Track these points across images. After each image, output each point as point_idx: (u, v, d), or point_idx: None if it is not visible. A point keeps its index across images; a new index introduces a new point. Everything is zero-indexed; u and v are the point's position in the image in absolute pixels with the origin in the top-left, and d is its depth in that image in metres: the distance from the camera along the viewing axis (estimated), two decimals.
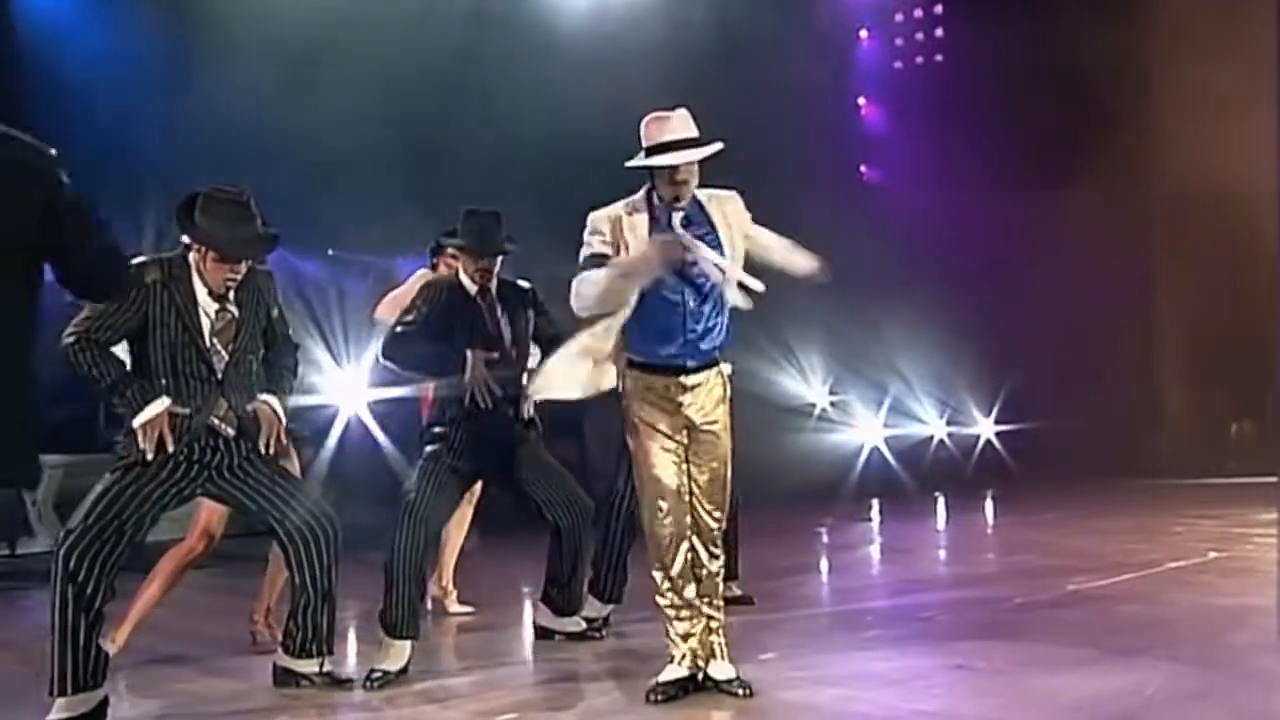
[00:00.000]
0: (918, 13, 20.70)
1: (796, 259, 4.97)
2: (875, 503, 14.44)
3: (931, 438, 18.92)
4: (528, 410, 5.68)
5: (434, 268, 6.73)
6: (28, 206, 3.09)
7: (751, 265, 4.80)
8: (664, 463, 4.71)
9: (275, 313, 4.98)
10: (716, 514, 4.80)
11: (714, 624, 4.78)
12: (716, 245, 4.70)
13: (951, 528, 12.43)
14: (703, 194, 4.75)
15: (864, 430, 17.96)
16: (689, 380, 4.71)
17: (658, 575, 4.75)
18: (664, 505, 4.72)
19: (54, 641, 4.39)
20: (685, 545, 4.73)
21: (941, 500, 14.65)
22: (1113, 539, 9.75)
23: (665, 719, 4.52)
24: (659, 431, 4.70)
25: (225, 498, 4.91)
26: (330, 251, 12.79)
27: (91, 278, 3.36)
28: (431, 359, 5.59)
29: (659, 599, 4.76)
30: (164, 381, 4.65)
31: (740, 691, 4.68)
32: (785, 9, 16.39)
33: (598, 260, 4.61)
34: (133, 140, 10.21)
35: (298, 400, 5.12)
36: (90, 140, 8.20)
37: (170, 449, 4.58)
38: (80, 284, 3.38)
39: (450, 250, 6.36)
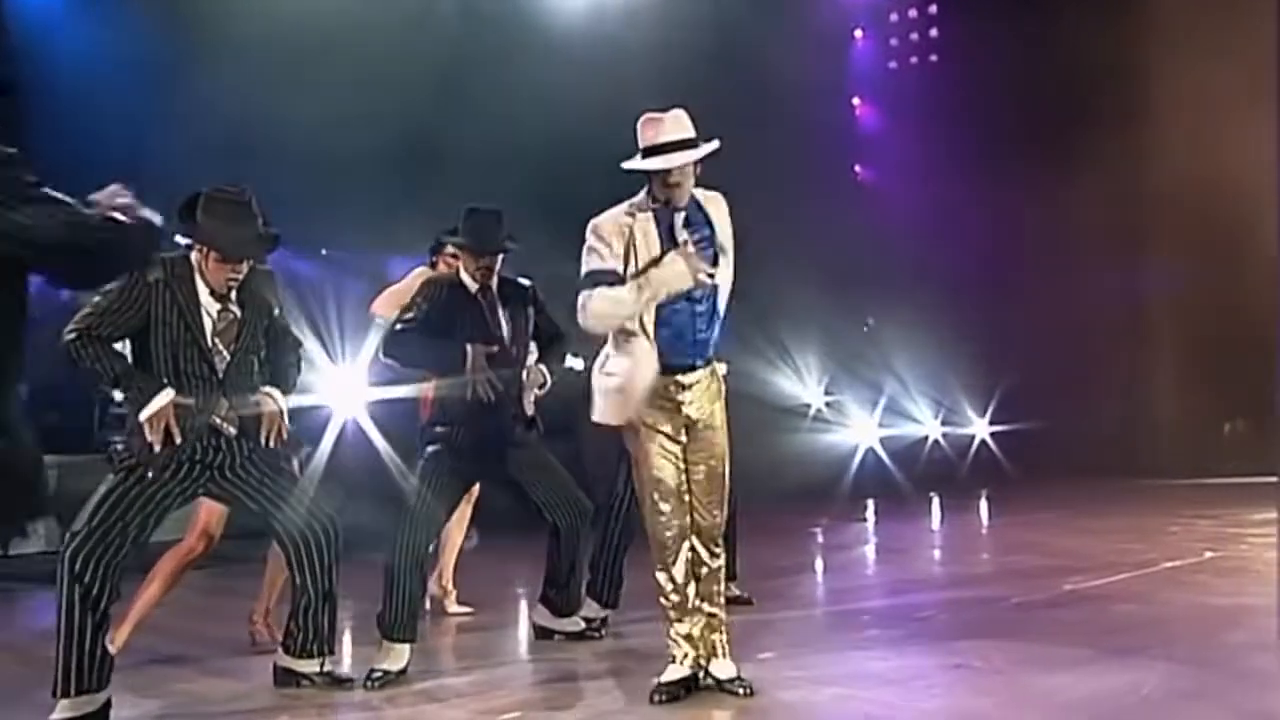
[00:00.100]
0: (912, 13, 20.76)
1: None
2: (870, 503, 14.44)
3: (926, 438, 18.97)
4: (529, 406, 5.69)
5: (433, 266, 6.72)
6: None
7: None
8: (665, 464, 4.73)
9: (277, 311, 4.99)
10: (716, 512, 4.83)
11: (715, 622, 4.80)
12: (713, 245, 4.73)
13: (946, 528, 12.45)
14: (699, 193, 4.76)
15: (859, 430, 17.98)
16: (688, 379, 4.74)
17: (660, 576, 4.77)
18: (665, 506, 4.74)
19: (59, 643, 4.40)
20: (686, 545, 4.76)
21: (936, 500, 14.67)
22: (1108, 539, 9.77)
23: (667, 718, 4.53)
24: (660, 433, 4.72)
25: (227, 497, 4.92)
26: (324, 251, 12.78)
27: (61, 254, 2.97)
28: (432, 355, 5.60)
29: (661, 599, 4.78)
30: (165, 381, 4.66)
31: (741, 690, 4.70)
32: (780, 9, 16.41)
33: (606, 275, 4.56)
34: (126, 140, 10.19)
35: (295, 401, 5.11)
36: (83, 140, 8.21)
37: (178, 441, 4.60)
38: (57, 269, 3.07)
39: (450, 249, 6.37)
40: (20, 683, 5.21)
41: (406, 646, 5.25)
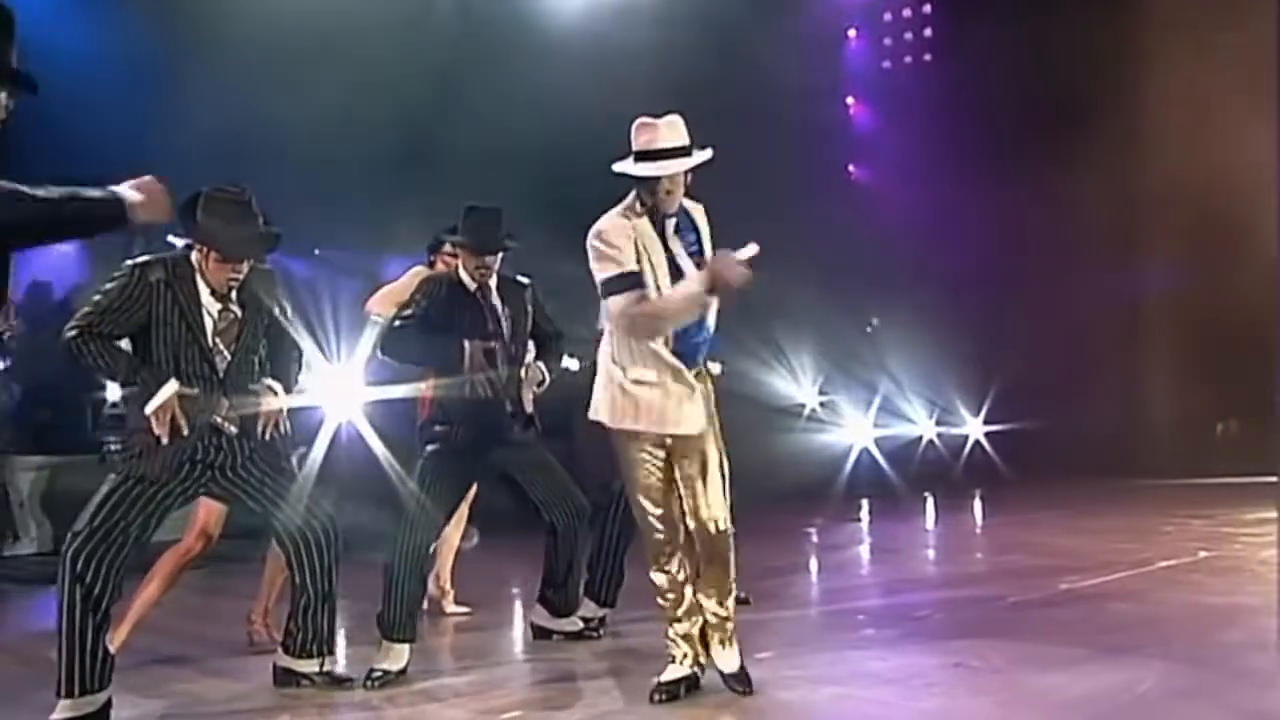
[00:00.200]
0: (906, 12, 20.79)
1: None
2: (865, 503, 14.47)
3: (921, 438, 18.98)
4: (528, 403, 5.69)
5: (431, 265, 6.72)
6: None
7: None
8: (651, 468, 4.72)
9: (278, 311, 4.99)
10: (709, 512, 4.75)
11: (712, 619, 4.78)
12: (700, 253, 4.72)
13: (941, 528, 12.46)
14: (686, 202, 4.74)
15: (853, 430, 18.00)
16: None
17: (656, 577, 4.77)
18: (656, 510, 4.74)
19: (61, 643, 4.40)
20: (681, 545, 4.76)
21: (931, 500, 14.70)
22: (1103, 538, 9.80)
23: (667, 718, 4.55)
24: (644, 436, 4.70)
25: (228, 497, 4.93)
26: (316, 251, 12.78)
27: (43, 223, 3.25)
28: (430, 351, 5.59)
29: (659, 600, 4.79)
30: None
31: (740, 689, 4.71)
32: (774, 8, 16.42)
33: (631, 279, 4.50)
34: (122, 140, 10.17)
35: (291, 401, 5.11)
36: (78, 141, 8.20)
37: (185, 432, 4.60)
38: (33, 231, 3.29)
39: (448, 247, 6.38)
40: (20, 683, 5.22)
41: (406, 646, 5.26)
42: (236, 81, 10.86)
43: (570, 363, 6.34)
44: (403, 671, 5.19)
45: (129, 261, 4.70)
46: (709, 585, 4.78)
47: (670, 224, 4.66)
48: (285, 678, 5.04)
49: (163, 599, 5.56)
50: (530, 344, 5.86)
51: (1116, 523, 11.05)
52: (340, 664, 5.36)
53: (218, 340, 4.75)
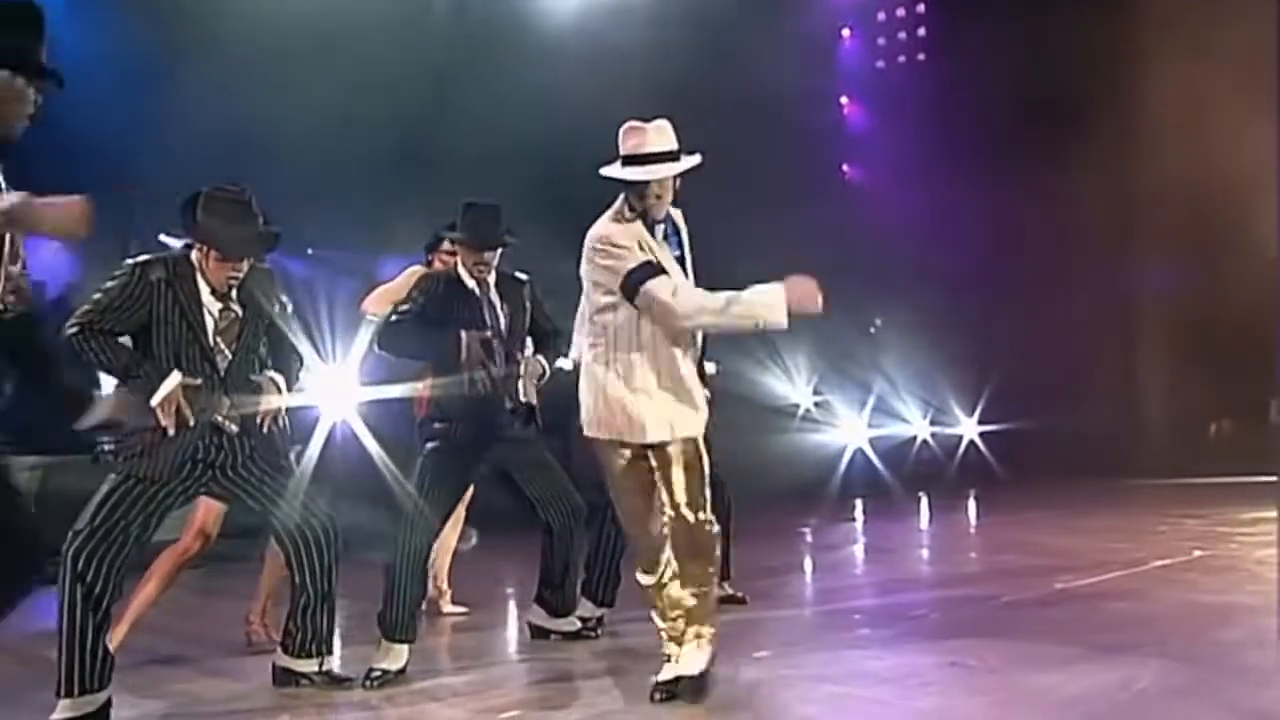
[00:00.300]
0: (900, 12, 20.79)
1: None
2: (859, 503, 14.50)
3: (915, 438, 19.02)
4: (530, 393, 5.67)
5: (429, 264, 6.71)
6: None
7: None
8: (631, 473, 4.72)
9: (278, 310, 5.00)
10: (696, 513, 4.68)
11: (691, 603, 4.68)
12: (683, 260, 4.73)
13: (935, 527, 12.49)
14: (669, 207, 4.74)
15: (848, 430, 18.03)
16: None
17: (644, 579, 4.79)
18: (640, 514, 4.75)
19: (61, 642, 4.41)
20: (669, 547, 4.75)
21: (925, 500, 14.72)
22: (1097, 538, 9.82)
23: (666, 717, 4.55)
24: (622, 442, 4.69)
25: (228, 496, 4.94)
26: (309, 251, 12.77)
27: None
28: (426, 345, 5.57)
29: (651, 602, 4.80)
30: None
31: (688, 697, 4.60)
32: (768, 9, 16.43)
33: (655, 268, 4.47)
34: (119, 139, 10.18)
35: (288, 401, 5.11)
36: (78, 141, 8.19)
37: (191, 423, 4.61)
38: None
39: (446, 246, 6.38)
40: (20, 683, 5.22)
41: (406, 646, 5.26)
42: (235, 81, 10.85)
43: (565, 362, 6.35)
44: (402, 671, 5.20)
45: (130, 260, 4.71)
46: (689, 579, 4.69)
47: (659, 230, 4.66)
48: (284, 677, 5.05)
49: (161, 598, 5.57)
50: (529, 341, 5.87)
51: (1111, 522, 11.07)
52: (339, 663, 5.36)
53: (219, 339, 4.76)
